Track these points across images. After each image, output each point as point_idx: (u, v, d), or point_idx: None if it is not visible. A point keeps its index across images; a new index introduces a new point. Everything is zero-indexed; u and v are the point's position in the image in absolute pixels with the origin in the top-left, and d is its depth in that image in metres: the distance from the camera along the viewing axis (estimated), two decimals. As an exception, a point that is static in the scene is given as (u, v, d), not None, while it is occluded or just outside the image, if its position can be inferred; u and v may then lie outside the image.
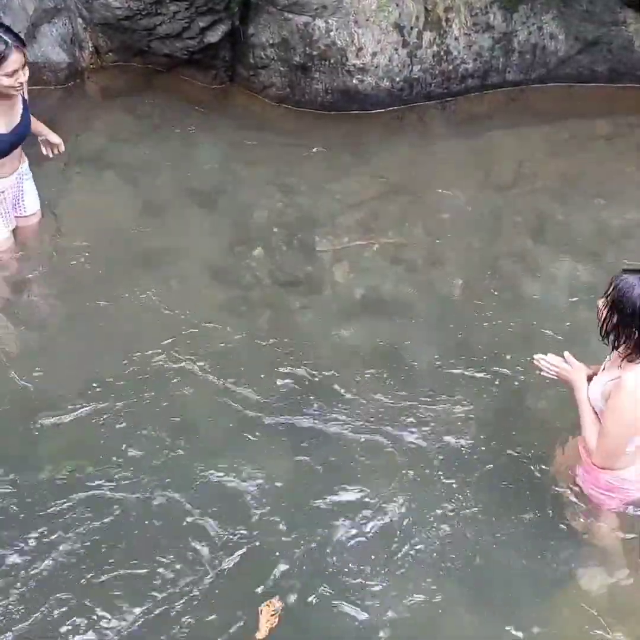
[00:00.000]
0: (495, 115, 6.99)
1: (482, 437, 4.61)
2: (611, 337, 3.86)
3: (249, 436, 4.62)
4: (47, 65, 6.99)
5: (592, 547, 4.21)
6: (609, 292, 3.82)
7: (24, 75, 4.76)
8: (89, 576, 3.99)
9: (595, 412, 3.98)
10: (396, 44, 6.80)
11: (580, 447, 4.12)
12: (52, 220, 5.79)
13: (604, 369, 4.04)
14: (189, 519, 4.24)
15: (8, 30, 4.82)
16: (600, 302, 3.87)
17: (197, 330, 5.20)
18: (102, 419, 4.68)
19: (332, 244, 5.84)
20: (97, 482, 4.36)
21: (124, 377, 4.90)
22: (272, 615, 3.84)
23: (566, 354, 4.11)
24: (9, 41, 4.67)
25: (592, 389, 3.99)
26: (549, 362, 4.11)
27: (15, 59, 4.66)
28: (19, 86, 4.79)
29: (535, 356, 4.14)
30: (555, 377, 4.12)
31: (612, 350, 3.91)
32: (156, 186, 6.25)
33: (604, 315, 3.84)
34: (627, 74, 7.12)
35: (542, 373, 4.16)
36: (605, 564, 4.14)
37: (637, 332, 3.76)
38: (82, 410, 4.71)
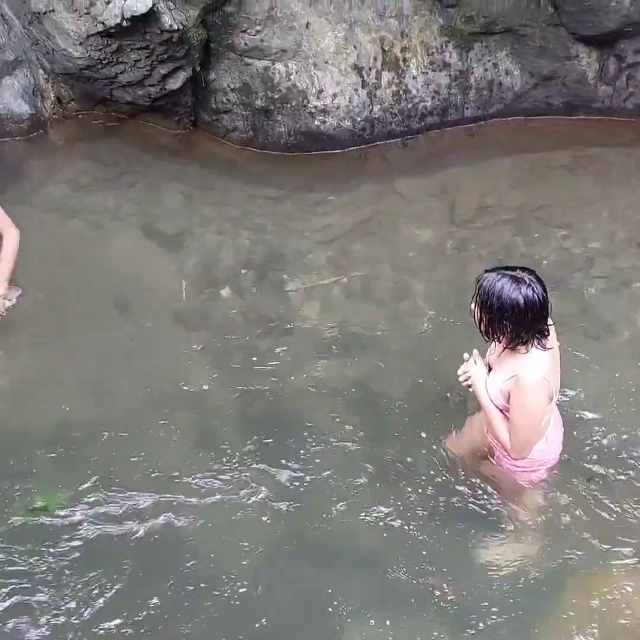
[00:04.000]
0: (455, 150, 7.08)
1: (455, 468, 4.61)
2: (491, 335, 3.98)
3: (225, 478, 4.60)
4: (10, 116, 6.99)
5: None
6: (475, 294, 3.94)
7: None
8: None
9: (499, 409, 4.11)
10: (356, 84, 6.90)
11: (490, 438, 4.28)
12: (20, 268, 5.77)
13: (489, 366, 4.17)
14: (166, 560, 4.23)
15: None
16: (472, 305, 3.99)
17: (168, 373, 5.19)
18: (73, 464, 4.65)
19: (301, 282, 5.88)
20: (74, 527, 4.36)
21: (96, 422, 4.88)
22: None
23: (474, 352, 4.22)
24: None
25: (489, 388, 4.10)
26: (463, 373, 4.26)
27: None
28: None
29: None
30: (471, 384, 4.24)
31: (504, 347, 4.01)
32: (122, 231, 6.27)
33: (478, 316, 3.96)
34: (582, 106, 7.26)
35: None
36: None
37: (508, 324, 3.88)
38: (53, 454, 4.70)
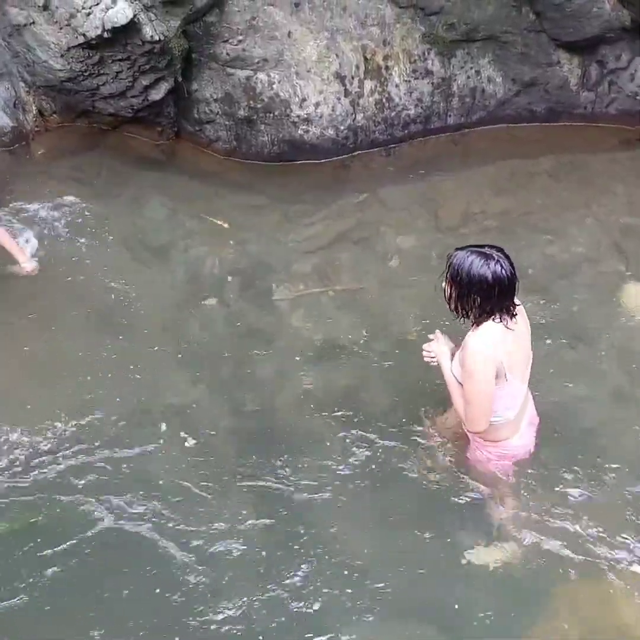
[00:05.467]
0: (439, 158, 7.11)
1: (445, 475, 4.62)
2: (459, 310, 4.03)
3: (214, 489, 4.60)
4: (-9, 130, 7.00)
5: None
6: (445, 271, 4.00)
7: None
8: None
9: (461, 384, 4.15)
10: (338, 93, 6.91)
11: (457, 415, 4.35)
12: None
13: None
14: (153, 579, 4.20)
15: None
16: (443, 283, 4.04)
17: (155, 385, 5.18)
18: (59, 478, 4.63)
19: (288, 291, 5.88)
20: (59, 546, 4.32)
21: (82, 435, 4.86)
22: None
23: (437, 332, 4.32)
24: None
25: (453, 363, 4.17)
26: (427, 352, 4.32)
27: None
28: None
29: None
30: (435, 362, 4.29)
31: (472, 323, 4.06)
32: (107, 244, 6.24)
33: (448, 292, 4.01)
34: (565, 112, 7.30)
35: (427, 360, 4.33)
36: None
37: (477, 298, 3.94)
38: (38, 468, 4.67)
